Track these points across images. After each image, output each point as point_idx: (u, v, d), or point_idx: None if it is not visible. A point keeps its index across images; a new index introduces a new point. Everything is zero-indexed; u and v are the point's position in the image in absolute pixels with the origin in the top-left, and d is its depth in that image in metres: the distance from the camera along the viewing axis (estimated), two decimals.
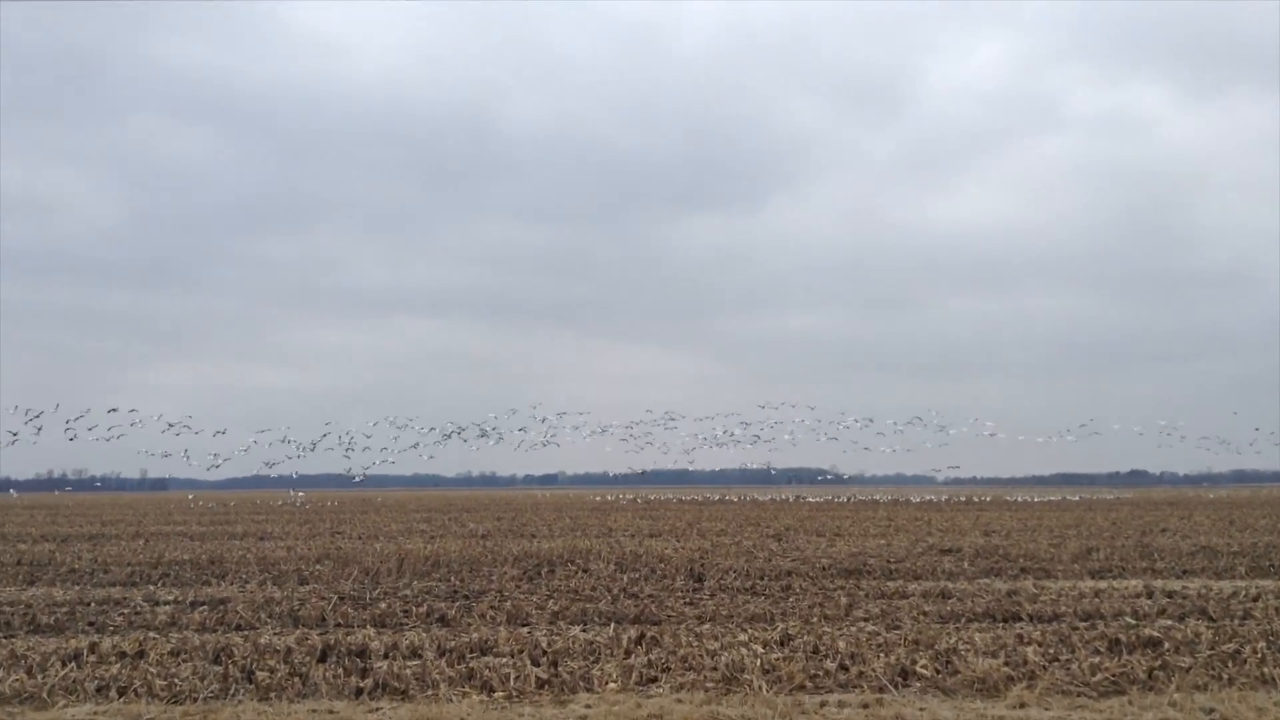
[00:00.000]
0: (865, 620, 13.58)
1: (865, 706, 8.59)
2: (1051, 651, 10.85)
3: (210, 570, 20.28)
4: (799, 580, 18.13)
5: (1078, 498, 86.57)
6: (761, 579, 18.28)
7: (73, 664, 10.35)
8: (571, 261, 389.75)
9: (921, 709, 8.58)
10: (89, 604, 15.32)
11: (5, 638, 12.38)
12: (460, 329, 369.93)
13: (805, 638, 11.75)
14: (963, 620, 13.63)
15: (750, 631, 12.36)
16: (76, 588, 17.65)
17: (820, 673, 9.80)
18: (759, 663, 10.09)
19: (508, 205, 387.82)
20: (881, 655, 10.57)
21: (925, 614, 14.04)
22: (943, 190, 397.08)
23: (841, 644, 11.26)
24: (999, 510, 55.12)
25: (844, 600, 15.17)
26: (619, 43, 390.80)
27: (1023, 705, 8.66)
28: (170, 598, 16.03)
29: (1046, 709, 8.61)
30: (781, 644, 11.51)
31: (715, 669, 9.95)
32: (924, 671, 9.80)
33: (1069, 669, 9.93)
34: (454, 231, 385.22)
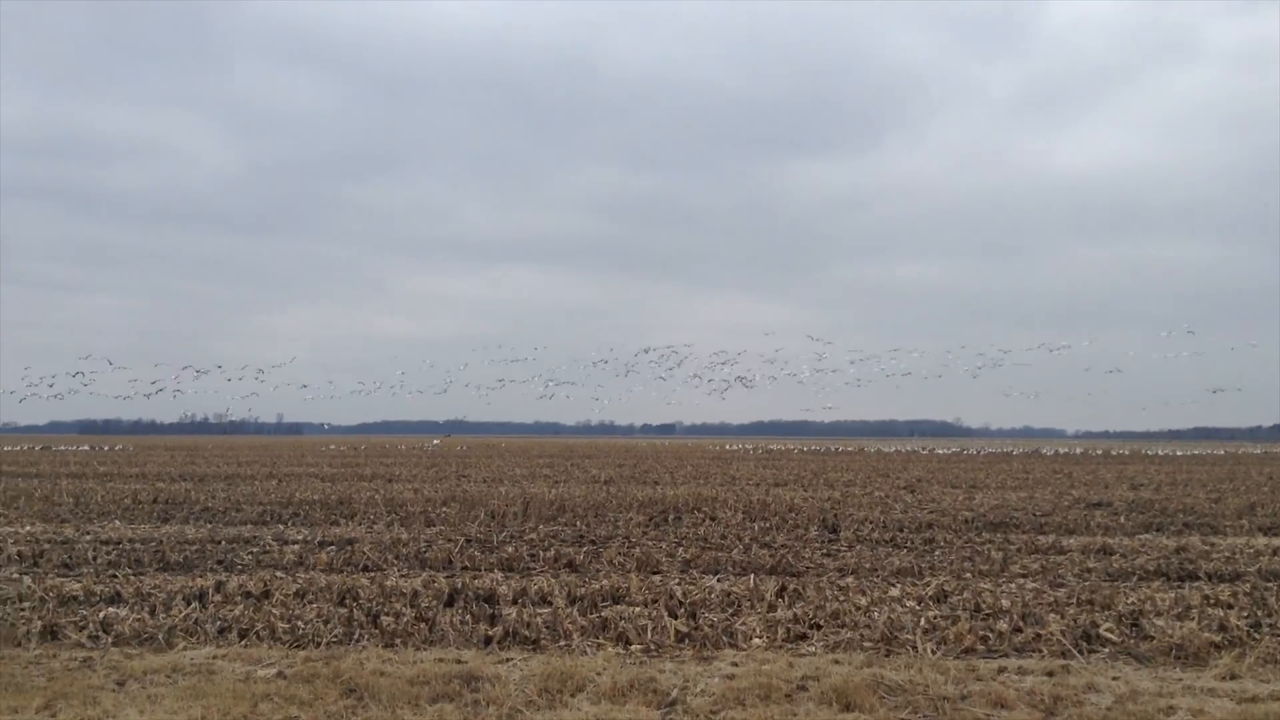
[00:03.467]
0: (1024, 577, 12.53)
1: (1050, 674, 7.60)
2: (1250, 616, 9.66)
3: (339, 511, 20.27)
4: (942, 533, 17.11)
5: (1222, 452, 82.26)
6: (901, 531, 17.32)
7: (196, 603, 10.08)
8: (677, 208, 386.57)
9: (1115, 678, 7.56)
10: (219, 542, 15.29)
11: (134, 575, 12.29)
12: (567, 278, 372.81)
13: (963, 595, 10.80)
14: (1134, 579, 12.45)
15: (900, 587, 11.45)
16: (209, 526, 17.75)
17: (990, 634, 8.84)
18: (919, 621, 9.19)
19: (612, 150, 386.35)
20: (1055, 616, 9.55)
21: (1090, 571, 12.91)
22: (1068, 129, 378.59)
23: (1005, 602, 10.30)
24: (1141, 464, 52.55)
25: (997, 555, 14.11)
26: None
27: (1233, 676, 7.56)
28: (299, 537, 15.93)
29: (1264, 681, 7.49)
30: (938, 601, 10.59)
31: (871, 626, 9.09)
32: (1110, 635, 8.76)
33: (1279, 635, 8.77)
34: (558, 178, 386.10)
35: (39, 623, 9.17)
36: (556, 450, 72.12)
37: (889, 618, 9.37)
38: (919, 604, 10.33)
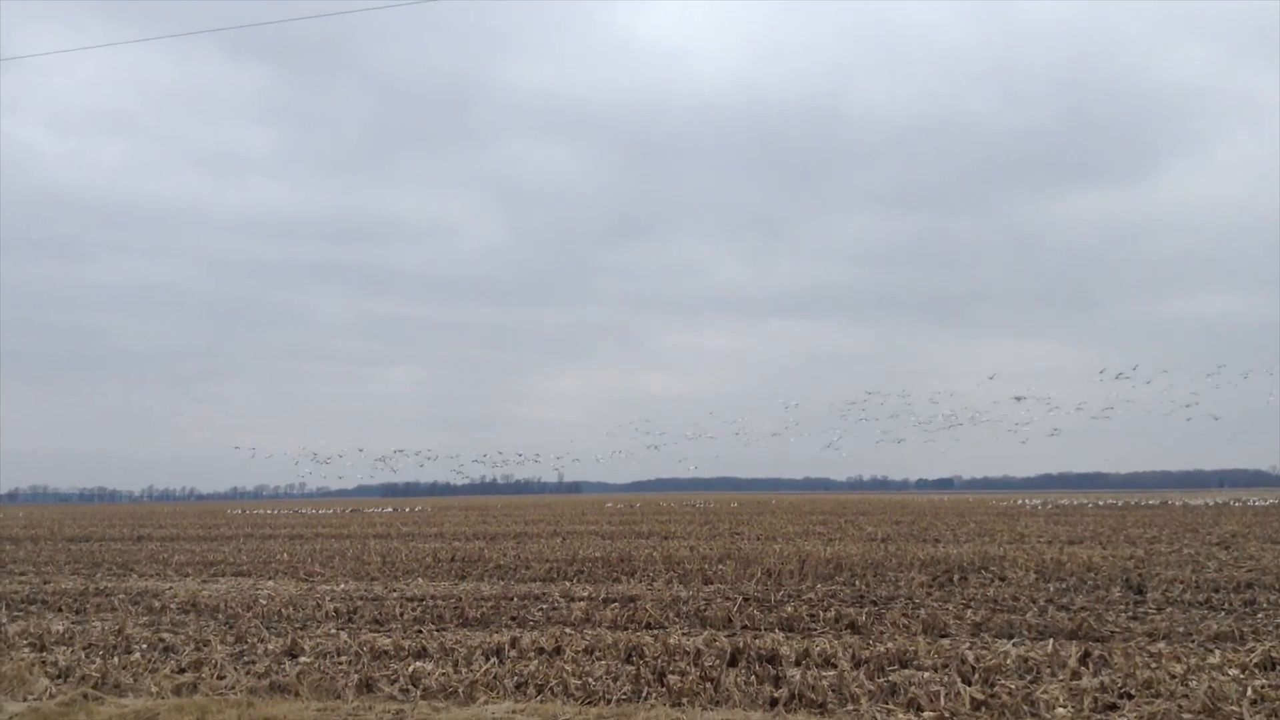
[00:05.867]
0: None
1: None
2: None
3: (619, 568, 20.82)
4: (1264, 594, 15.48)
5: None
6: (1217, 591, 15.80)
7: (494, 659, 10.62)
8: (941, 249, 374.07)
9: None
10: (511, 599, 16.04)
11: (437, 630, 13.10)
12: (831, 328, 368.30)
13: None
14: None
15: (1220, 653, 10.44)
16: (501, 583, 18.68)
17: None
18: (1246, 691, 8.34)
19: (867, 195, 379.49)
20: None
21: None
22: None
23: None
24: None
25: None
26: (964, 9, 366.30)
27: None
28: (584, 594, 16.46)
29: None
30: (1264, 669, 9.60)
31: (1189, 697, 8.33)
32: None
33: None
34: (814, 227, 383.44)
35: (355, 676, 9.95)
36: (829, 506, 70.96)
37: (1209, 687, 8.55)
38: (1243, 672, 9.39)
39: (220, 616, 14.76)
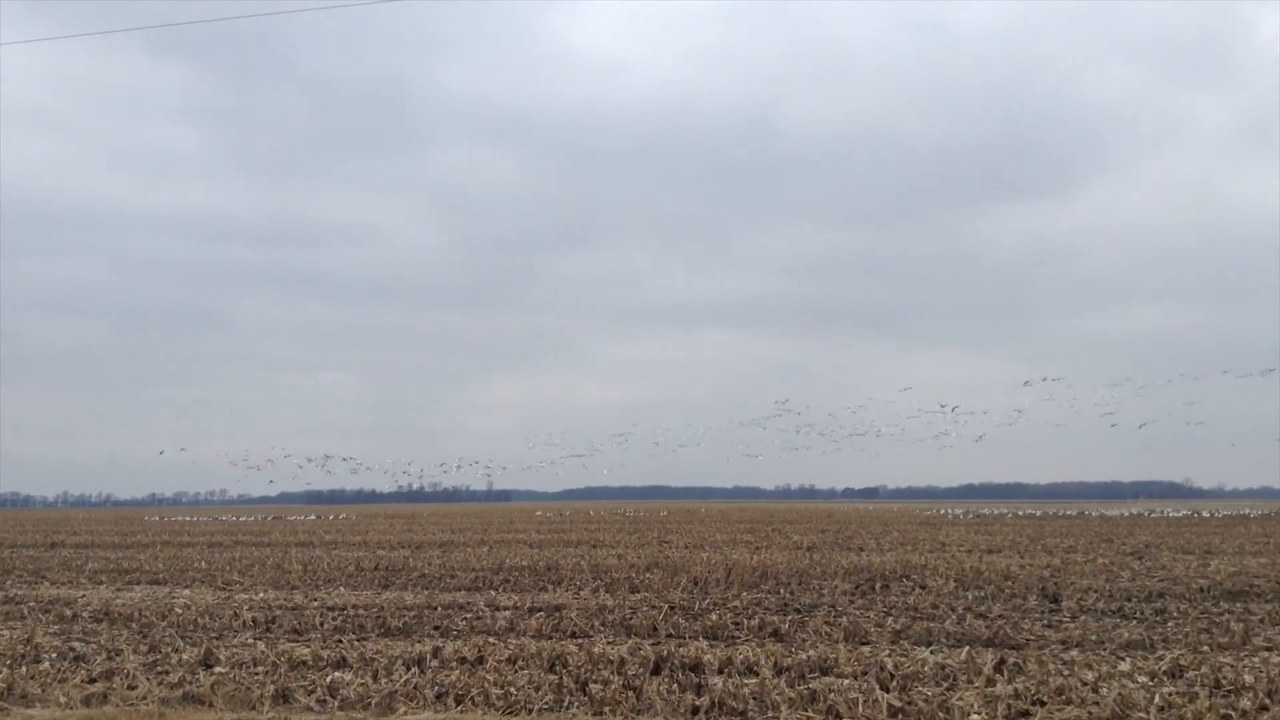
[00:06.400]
0: (1269, 650, 11.56)
1: None
2: None
3: (547, 576, 20.73)
4: (1174, 603, 15.93)
5: None
6: (1129, 600, 16.22)
7: (415, 669, 10.51)
8: (874, 263, 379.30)
9: None
10: (435, 608, 15.88)
11: (358, 639, 12.92)
12: (766, 339, 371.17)
13: (1201, 670, 10.01)
14: None
15: (1130, 660, 10.72)
16: (425, 592, 18.48)
17: (1233, 713, 8.16)
18: (1153, 699, 8.57)
19: (803, 208, 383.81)
20: None
21: None
22: None
23: (1249, 677, 9.50)
24: None
25: (1237, 626, 13.02)
26: (900, 26, 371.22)
27: None
28: (510, 603, 16.37)
29: None
30: (1172, 676, 9.87)
31: (1099, 704, 8.54)
32: None
33: None
34: (752, 238, 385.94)
35: (271, 686, 9.77)
36: (757, 515, 71.47)
37: (1119, 694, 8.77)
38: (1152, 679, 9.65)
39: (134, 625, 14.40)
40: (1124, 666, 10.32)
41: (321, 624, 14.17)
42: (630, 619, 14.12)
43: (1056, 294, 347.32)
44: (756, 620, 13.87)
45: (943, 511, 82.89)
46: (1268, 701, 8.52)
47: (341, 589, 19.22)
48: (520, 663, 10.86)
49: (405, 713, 8.86)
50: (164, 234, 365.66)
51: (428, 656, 11.16)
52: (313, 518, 75.32)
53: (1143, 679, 9.68)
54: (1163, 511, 76.57)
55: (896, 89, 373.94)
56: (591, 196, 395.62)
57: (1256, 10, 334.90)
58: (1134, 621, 14.03)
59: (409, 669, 10.49)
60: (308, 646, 12.14)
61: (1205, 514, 70.96)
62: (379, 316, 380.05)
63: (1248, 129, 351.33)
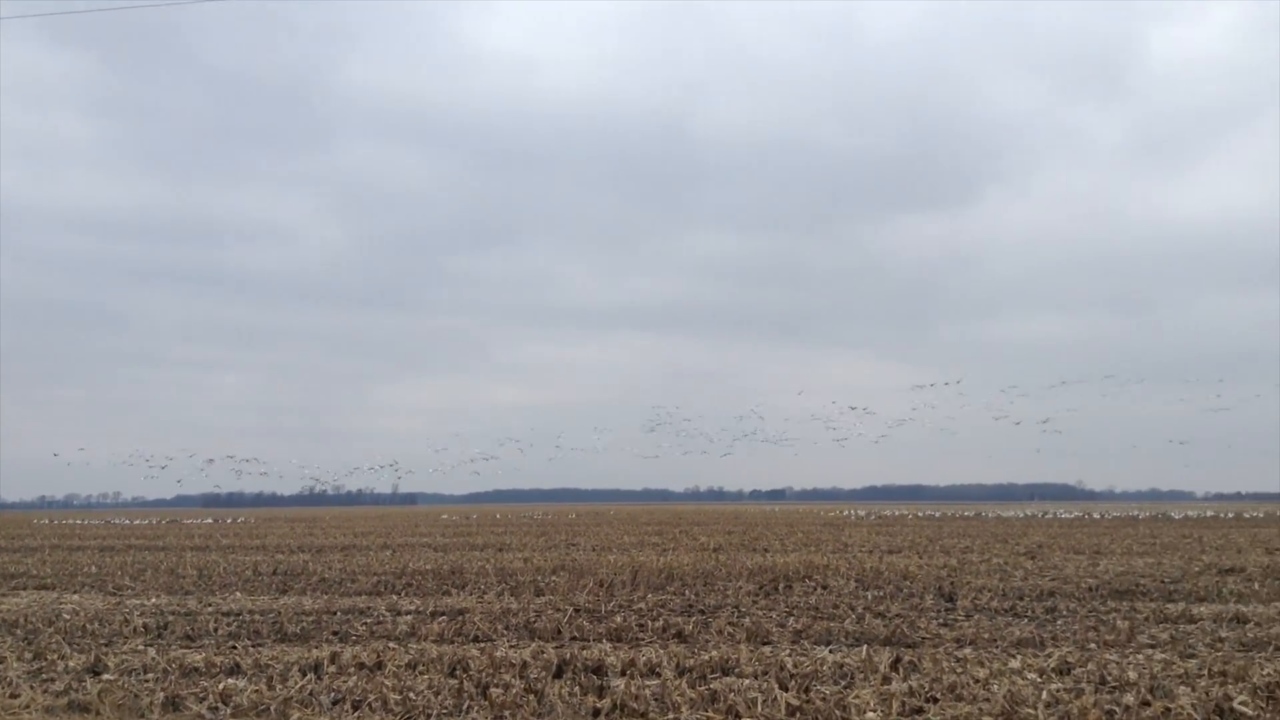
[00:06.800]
0: (1152, 647, 11.96)
1: None
2: None
3: (450, 580, 20.51)
4: (1064, 601, 16.44)
5: None
6: (1021, 599, 16.69)
7: (312, 675, 10.30)
8: (786, 269, 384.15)
9: None
10: (335, 613, 15.59)
11: (253, 645, 12.62)
12: (682, 343, 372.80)
13: (1088, 667, 10.35)
14: (1270, 649, 11.78)
15: (1021, 658, 11.03)
16: (325, 597, 18.12)
17: (1117, 708, 8.44)
18: (1041, 695, 8.83)
19: (716, 213, 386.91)
20: (1186, 689, 9.09)
21: (1222, 641, 12.26)
22: (1182, 175, 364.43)
23: (1133, 674, 9.85)
24: (1277, 526, 49.78)
25: (1123, 624, 13.50)
26: (811, 35, 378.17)
27: None
28: (411, 608, 16.15)
29: None
30: (1060, 673, 10.17)
31: (990, 700, 8.76)
32: (1245, 709, 8.28)
33: None
34: (664, 243, 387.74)
35: (161, 694, 9.47)
36: (665, 517, 71.81)
37: (1009, 691, 9.01)
38: (1040, 676, 9.94)
39: (18, 632, 13.83)
40: (1014, 664, 10.61)
41: (216, 630, 13.80)
42: (534, 622, 14.05)
43: (957, 302, 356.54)
44: (661, 622, 13.93)
45: (846, 513, 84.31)
46: (1149, 698, 8.82)
47: (238, 594, 18.75)
48: (420, 668, 10.72)
49: (299, 718, 8.67)
50: (57, 228, 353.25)
51: (325, 662, 10.94)
52: (210, 521, 73.34)
53: (1032, 676, 9.97)
54: (1055, 513, 79.04)
55: (808, 98, 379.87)
56: (503, 197, 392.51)
57: (1148, 27, 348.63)
58: (1025, 620, 14.43)
59: (305, 675, 10.27)
60: (200, 653, 11.82)
61: (1096, 515, 73.50)
62: (282, 315, 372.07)
63: (1139, 144, 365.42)
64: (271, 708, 9.01)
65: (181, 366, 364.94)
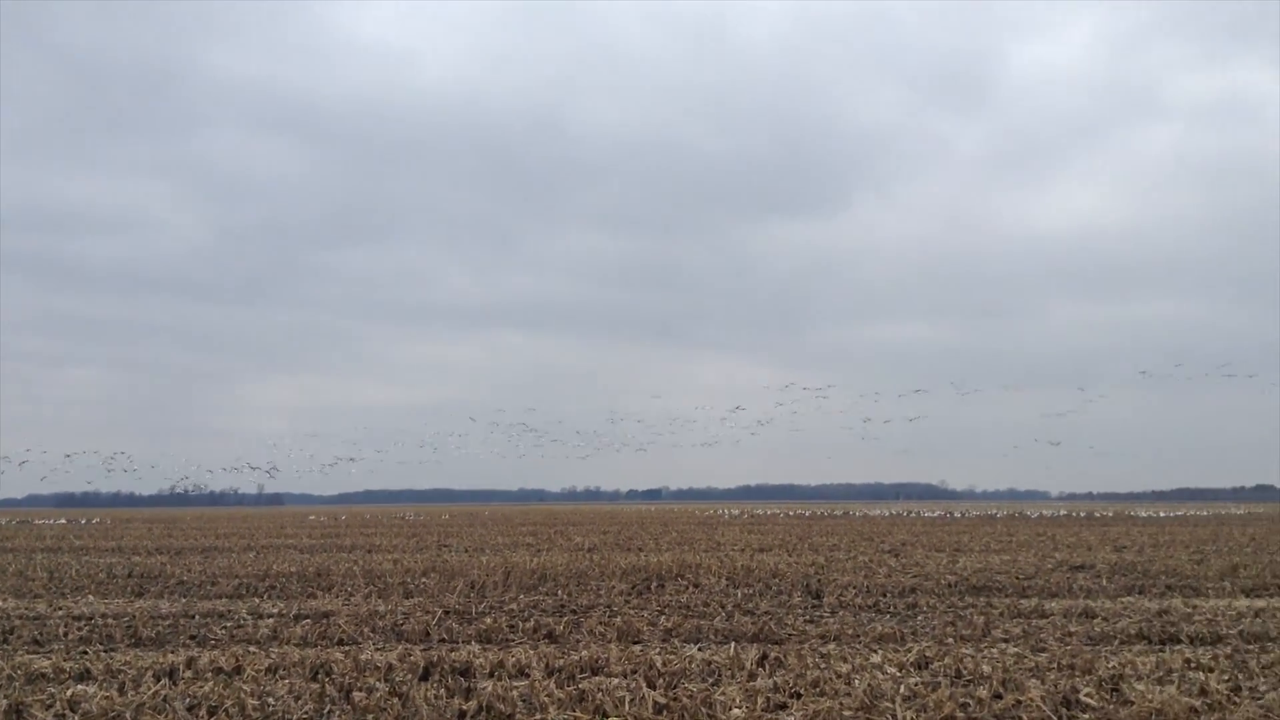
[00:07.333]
0: (1006, 641, 12.43)
1: None
2: (1230, 679, 9.59)
3: (316, 583, 19.99)
4: (925, 598, 16.98)
5: (1205, 513, 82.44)
6: (884, 596, 17.18)
7: (166, 680, 9.90)
8: (661, 271, 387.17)
9: None
10: (193, 617, 15.04)
11: (105, 650, 12.07)
12: (557, 342, 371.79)
13: (945, 661, 10.70)
14: (1115, 642, 12.39)
15: (882, 653, 11.34)
16: (183, 600, 17.46)
17: (970, 701, 8.75)
18: (900, 689, 9.09)
19: (592, 213, 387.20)
20: (1036, 681, 9.47)
21: (1071, 635, 12.84)
22: (1038, 187, 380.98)
23: (986, 668, 10.22)
24: (1125, 525, 52.50)
25: (979, 620, 14.01)
26: (686, 37, 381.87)
27: None
28: (274, 611, 15.67)
29: None
30: (919, 667, 10.49)
31: (850, 695, 8.98)
32: (1089, 701, 8.68)
33: (1259, 699, 8.71)
34: (540, 241, 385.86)
35: (4, 701, 8.99)
36: (541, 518, 71.53)
37: (869, 685, 9.26)
38: (900, 671, 10.23)
39: None
40: (876, 659, 10.90)
41: (65, 634, 13.15)
42: (402, 624, 13.80)
43: (828, 307, 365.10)
44: (532, 622, 13.85)
45: (721, 512, 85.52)
46: (1001, 690, 9.17)
47: (90, 597, 17.90)
48: (281, 672, 10.41)
49: None
50: None
51: (181, 667, 10.54)
52: (63, 522, 69.99)
53: (892, 670, 10.25)
54: (919, 512, 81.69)
55: (681, 99, 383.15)
56: (374, 190, 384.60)
57: (1008, 41, 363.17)
58: (888, 616, 14.85)
59: (159, 681, 9.86)
60: (48, 658, 11.24)
61: (957, 514, 76.28)
62: (141, 310, 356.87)
63: (998, 155, 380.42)
64: (124, 714, 8.62)
65: (29, 360, 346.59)
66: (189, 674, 10.31)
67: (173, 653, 11.71)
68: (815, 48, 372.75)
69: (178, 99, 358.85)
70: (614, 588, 18.46)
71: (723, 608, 15.57)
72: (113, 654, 11.77)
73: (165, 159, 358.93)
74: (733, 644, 11.91)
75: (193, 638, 13.08)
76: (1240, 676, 9.80)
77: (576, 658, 10.95)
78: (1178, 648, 11.90)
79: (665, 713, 8.57)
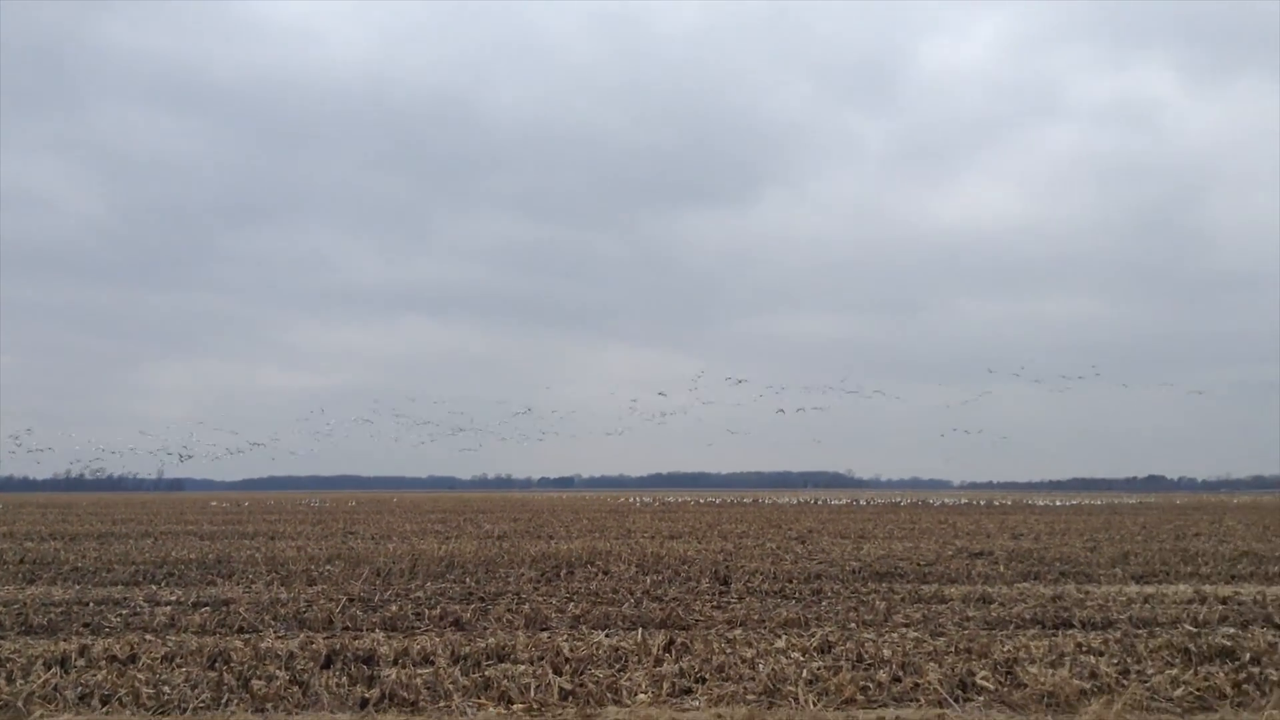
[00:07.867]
0: (906, 626, 12.72)
1: None
2: (1120, 663, 9.95)
3: (216, 570, 19.52)
4: (829, 584, 17.27)
5: (1099, 502, 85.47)
6: (790, 582, 17.42)
7: (58, 668, 9.57)
8: (574, 259, 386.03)
9: None
10: (87, 604, 14.57)
11: None
12: (464, 329, 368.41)
13: (847, 645, 10.89)
14: (1011, 627, 12.76)
15: (786, 638, 11.49)
16: (77, 587, 16.90)
17: (871, 684, 8.93)
18: (802, 673, 9.23)
19: (503, 198, 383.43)
20: (934, 665, 9.70)
21: (969, 620, 13.18)
22: (944, 184, 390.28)
23: (887, 652, 10.43)
24: (1022, 514, 54.10)
25: (881, 605, 14.31)
26: (600, 24, 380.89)
27: None
28: (172, 598, 15.26)
29: None
30: (822, 651, 10.66)
31: (755, 679, 9.09)
32: (985, 684, 8.92)
33: (1146, 682, 9.04)
34: (451, 226, 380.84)
35: None
36: (450, 505, 70.90)
37: (773, 669, 9.38)
38: (803, 655, 10.38)
39: None
40: (780, 644, 11.03)
41: None
42: (305, 612, 13.55)
43: (740, 298, 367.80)
44: (438, 610, 13.72)
45: (632, 500, 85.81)
46: (901, 674, 9.38)
47: None
48: (178, 660, 10.14)
49: (43, 715, 8.04)
50: None
51: (73, 655, 10.20)
52: None
53: (796, 655, 10.39)
54: (826, 500, 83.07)
55: (596, 86, 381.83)
56: (278, 171, 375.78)
57: (917, 39, 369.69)
58: (793, 601, 15.06)
59: (50, 669, 9.53)
60: None
61: (862, 502, 77.73)
62: (33, 291, 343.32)
63: (905, 151, 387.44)
64: (14, 704, 8.32)
65: None
66: (81, 662, 9.99)
67: (65, 640, 11.34)
68: (730, 42, 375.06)
69: (72, 73, 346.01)
70: (523, 575, 18.39)
71: (631, 594, 15.61)
72: (2, 642, 11.37)
73: (59, 134, 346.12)
74: (640, 630, 11.95)
75: (86, 625, 12.67)
76: (1129, 660, 10.16)
77: (483, 645, 10.89)
78: (1070, 632, 12.29)
79: (571, 699, 8.57)
